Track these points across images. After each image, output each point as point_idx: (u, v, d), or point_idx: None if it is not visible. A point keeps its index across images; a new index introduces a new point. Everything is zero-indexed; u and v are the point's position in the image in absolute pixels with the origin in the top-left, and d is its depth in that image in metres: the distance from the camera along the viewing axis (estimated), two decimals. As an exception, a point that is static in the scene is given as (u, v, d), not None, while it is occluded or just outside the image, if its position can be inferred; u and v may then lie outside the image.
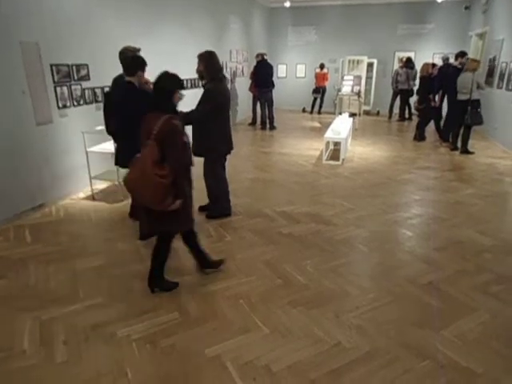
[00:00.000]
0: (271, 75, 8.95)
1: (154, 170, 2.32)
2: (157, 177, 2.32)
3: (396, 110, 10.66)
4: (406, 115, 10.50)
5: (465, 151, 6.96)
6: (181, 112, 3.59)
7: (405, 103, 10.30)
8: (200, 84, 3.80)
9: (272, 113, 9.25)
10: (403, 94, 10.09)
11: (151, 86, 3.05)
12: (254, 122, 9.82)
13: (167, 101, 2.44)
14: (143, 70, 3.11)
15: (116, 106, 3.19)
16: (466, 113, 6.61)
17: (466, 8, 10.34)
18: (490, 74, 8.35)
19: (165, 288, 2.77)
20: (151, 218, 2.56)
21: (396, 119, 10.61)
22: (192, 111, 3.62)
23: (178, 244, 2.89)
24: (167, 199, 2.41)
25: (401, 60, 10.57)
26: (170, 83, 2.47)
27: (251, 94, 9.54)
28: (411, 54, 10.82)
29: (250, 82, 9.57)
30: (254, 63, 9.19)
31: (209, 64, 3.62)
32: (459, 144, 7.06)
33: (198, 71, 3.68)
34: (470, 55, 9.02)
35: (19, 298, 2.73)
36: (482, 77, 8.73)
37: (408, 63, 9.90)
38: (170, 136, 2.36)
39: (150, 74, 3.72)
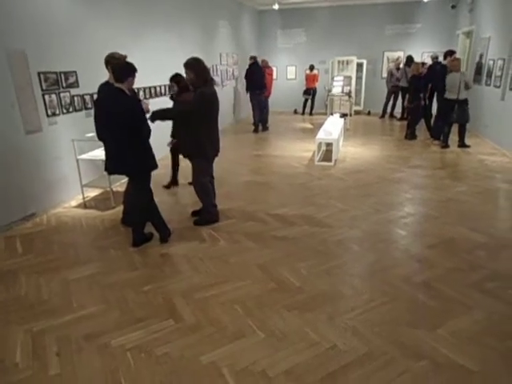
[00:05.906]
0: (262, 78, 8.98)
1: None
2: None
3: (389, 109, 10.73)
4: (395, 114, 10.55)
5: (462, 145, 7.15)
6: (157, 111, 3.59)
7: (403, 100, 10.15)
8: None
9: (265, 115, 9.29)
10: (403, 91, 9.72)
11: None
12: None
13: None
14: (134, 76, 3.11)
15: (107, 114, 3.18)
16: (453, 111, 6.84)
17: (453, 7, 10.43)
18: (478, 71, 8.43)
19: None
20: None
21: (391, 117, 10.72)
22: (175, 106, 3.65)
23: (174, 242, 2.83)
24: None
25: (396, 59, 10.57)
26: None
27: (244, 96, 9.53)
28: (400, 54, 10.89)
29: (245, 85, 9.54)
30: (246, 66, 9.20)
31: (199, 70, 3.60)
32: (450, 142, 7.16)
33: (189, 80, 3.65)
34: (458, 53, 9.10)
35: (10, 310, 2.69)
36: (470, 75, 8.82)
37: (408, 61, 9.79)
38: None
39: (140, 80, 3.71)
